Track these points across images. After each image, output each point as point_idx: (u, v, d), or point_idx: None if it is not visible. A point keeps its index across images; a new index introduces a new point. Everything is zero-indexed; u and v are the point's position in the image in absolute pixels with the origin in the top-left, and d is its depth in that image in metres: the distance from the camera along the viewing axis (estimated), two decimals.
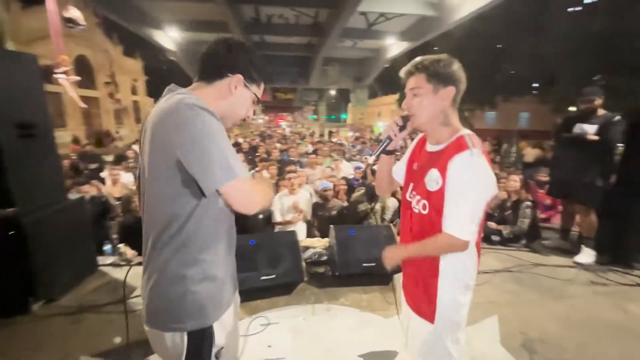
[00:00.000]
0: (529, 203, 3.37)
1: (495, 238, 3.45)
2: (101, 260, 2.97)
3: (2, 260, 2.16)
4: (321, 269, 2.89)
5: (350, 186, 4.63)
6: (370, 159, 1.35)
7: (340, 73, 18.81)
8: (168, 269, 0.86)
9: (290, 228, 3.56)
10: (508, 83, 16.46)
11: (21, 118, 2.22)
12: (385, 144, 1.16)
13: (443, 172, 0.99)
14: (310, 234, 4.06)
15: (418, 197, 1.09)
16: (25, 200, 2.23)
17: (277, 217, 3.58)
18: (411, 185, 1.14)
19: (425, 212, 1.06)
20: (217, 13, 9.14)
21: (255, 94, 0.97)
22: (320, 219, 3.88)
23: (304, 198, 3.76)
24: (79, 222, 2.74)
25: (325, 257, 2.94)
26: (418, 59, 1.06)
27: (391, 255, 1.16)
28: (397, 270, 2.77)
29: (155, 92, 27.77)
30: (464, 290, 1.08)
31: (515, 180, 3.45)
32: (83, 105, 12.93)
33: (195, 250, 0.86)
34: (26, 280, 2.24)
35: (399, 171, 1.27)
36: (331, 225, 2.92)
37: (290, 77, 19.00)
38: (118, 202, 3.70)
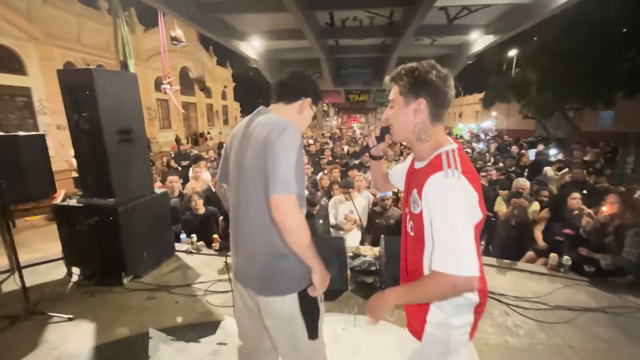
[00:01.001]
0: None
1: (588, 269, 2.84)
2: (177, 246, 3.44)
3: (103, 241, 2.67)
4: (369, 279, 2.81)
5: None
6: (352, 162, 1.33)
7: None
8: (277, 248, 1.10)
9: (343, 233, 3.56)
10: (634, 75, 13.21)
11: (122, 125, 2.72)
12: (363, 151, 1.24)
13: (420, 194, 0.92)
14: (364, 241, 3.98)
15: (408, 216, 1.02)
16: (121, 192, 2.72)
17: (332, 221, 3.60)
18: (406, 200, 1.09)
19: (412, 234, 1.00)
20: (293, 21, 9.62)
21: (315, 112, 1.29)
22: (376, 228, 3.76)
23: (360, 206, 3.69)
24: (162, 212, 3.21)
25: (374, 268, 2.84)
26: (398, 68, 0.99)
27: (376, 306, 1.01)
28: None
29: (239, 96, 30.85)
30: (460, 312, 0.97)
31: (612, 202, 2.78)
32: (182, 110, 15.10)
33: None
34: (120, 258, 2.74)
35: (396, 177, 1.26)
36: (382, 235, 2.81)
37: (363, 78, 18.85)
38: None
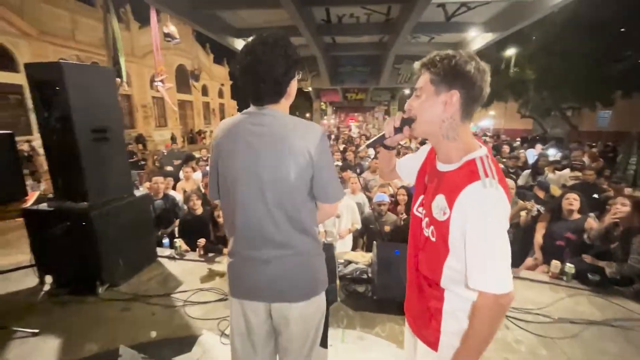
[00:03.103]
0: None
1: (593, 277, 2.68)
2: (160, 252, 3.26)
3: (76, 247, 2.49)
4: (361, 288, 2.64)
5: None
6: (362, 146, 1.20)
7: (414, 71, 17.66)
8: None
9: (331, 240, 3.39)
10: (631, 74, 13.11)
11: (97, 123, 2.53)
12: (377, 140, 1.07)
13: (451, 203, 0.84)
14: (357, 246, 3.82)
15: (427, 219, 0.94)
16: (96, 196, 2.54)
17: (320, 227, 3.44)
18: (421, 198, 1.00)
19: (433, 240, 0.92)
20: (288, 18, 9.44)
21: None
22: (371, 233, 3.59)
23: (346, 205, 3.52)
24: (143, 216, 3.04)
25: (366, 276, 2.68)
26: (432, 53, 0.88)
27: None
28: None
29: (235, 95, 30.64)
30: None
31: (624, 204, 2.63)
32: (175, 108, 14.86)
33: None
34: (94, 265, 2.56)
35: (404, 169, 1.17)
36: (374, 241, 2.65)
37: (360, 77, 18.65)
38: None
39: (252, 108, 1.06)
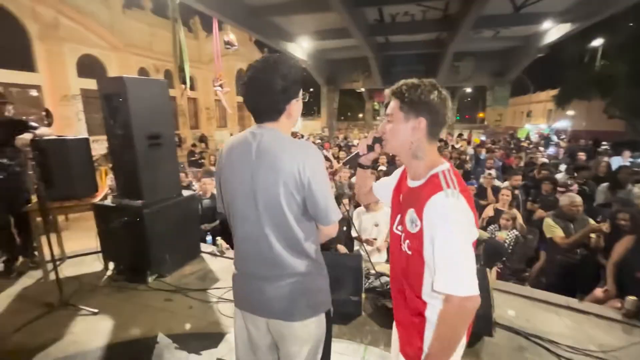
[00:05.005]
0: None
1: None
2: (204, 248, 3.51)
3: (131, 239, 2.81)
4: (390, 303, 2.52)
5: None
6: (340, 165, 1.32)
7: (475, 68, 16.33)
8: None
9: (370, 249, 3.30)
10: None
11: (152, 130, 2.82)
12: (353, 157, 1.19)
13: (420, 214, 0.93)
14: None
15: (404, 234, 1.02)
16: (149, 195, 2.83)
17: (354, 233, 3.36)
18: (398, 217, 1.07)
19: (410, 253, 1.00)
20: (340, 20, 9.45)
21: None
22: None
23: (386, 215, 3.38)
24: (189, 214, 3.30)
25: None
26: (400, 82, 0.99)
27: None
28: (487, 331, 2.13)
29: None
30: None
31: None
32: (230, 111, 15.88)
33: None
34: (146, 257, 2.86)
35: (380, 190, 1.27)
36: None
37: (415, 76, 17.90)
38: None
39: (254, 126, 1.08)
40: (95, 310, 2.47)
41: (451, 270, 0.86)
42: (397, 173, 1.19)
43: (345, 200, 3.88)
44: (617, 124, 17.18)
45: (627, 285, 2.53)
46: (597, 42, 14.71)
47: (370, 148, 1.12)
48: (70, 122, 11.59)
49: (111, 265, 3.13)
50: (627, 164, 6.03)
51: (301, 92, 1.08)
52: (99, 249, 3.11)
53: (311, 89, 1.09)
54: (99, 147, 8.37)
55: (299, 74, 1.04)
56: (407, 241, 1.00)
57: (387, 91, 1.03)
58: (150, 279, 2.90)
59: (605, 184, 4.41)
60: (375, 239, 3.36)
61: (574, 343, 2.10)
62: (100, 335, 2.24)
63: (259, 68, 1.01)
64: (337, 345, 2.11)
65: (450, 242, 0.87)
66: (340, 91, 21.12)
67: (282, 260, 1.05)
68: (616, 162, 6.64)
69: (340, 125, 26.12)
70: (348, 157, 1.21)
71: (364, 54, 14.15)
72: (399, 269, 1.08)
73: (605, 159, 6.78)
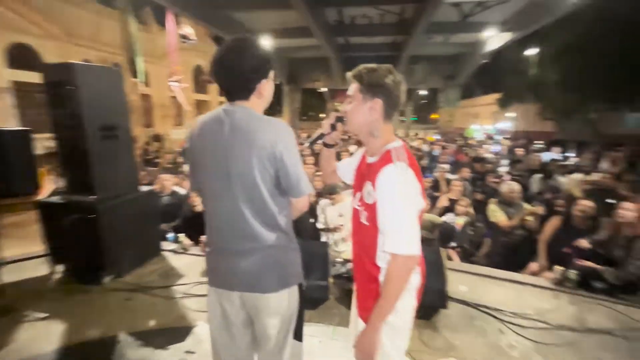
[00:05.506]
0: None
1: (597, 285, 2.59)
2: (164, 246, 3.37)
3: (84, 239, 2.62)
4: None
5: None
6: (305, 145, 1.38)
7: (429, 72, 17.41)
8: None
9: (336, 237, 3.40)
10: None
11: (105, 122, 2.66)
12: (316, 138, 1.25)
13: (374, 186, 1.02)
14: None
15: (362, 208, 1.10)
16: (103, 190, 2.66)
17: (321, 225, 3.45)
18: (358, 194, 1.14)
19: (367, 224, 1.08)
20: (301, 19, 9.51)
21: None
22: None
23: (349, 206, 3.53)
24: (148, 211, 3.15)
25: None
26: (360, 66, 1.07)
27: (366, 345, 1.04)
28: (442, 304, 2.31)
29: None
30: (403, 296, 1.05)
31: (627, 209, 2.52)
32: (187, 108, 15.22)
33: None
34: (101, 257, 2.68)
35: (343, 170, 1.33)
36: None
37: None
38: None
39: (225, 104, 1.10)
40: (44, 315, 2.28)
41: (397, 232, 0.97)
42: (359, 153, 1.26)
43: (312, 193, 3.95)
44: (550, 125, 19.39)
45: (556, 258, 2.92)
46: (533, 52, 16.44)
47: (333, 127, 1.20)
48: (1, 118, 10.29)
49: (60, 267, 2.88)
50: (557, 158, 6.88)
51: (272, 72, 1.11)
52: (43, 253, 2.85)
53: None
54: (37, 146, 7.57)
55: (268, 55, 1.09)
56: (365, 213, 1.08)
57: (349, 74, 1.10)
58: (106, 280, 2.73)
59: (538, 175, 5.00)
60: (342, 225, 3.47)
61: (515, 309, 2.39)
62: (50, 340, 2.07)
63: (229, 47, 1.04)
64: (306, 329, 2.15)
65: (396, 207, 0.98)
66: (303, 91, 21.20)
67: (256, 234, 1.08)
68: (547, 156, 7.55)
69: (303, 125, 26.19)
70: (313, 138, 1.27)
71: (325, 54, 14.37)
72: (359, 241, 1.17)
73: (538, 154, 7.68)
